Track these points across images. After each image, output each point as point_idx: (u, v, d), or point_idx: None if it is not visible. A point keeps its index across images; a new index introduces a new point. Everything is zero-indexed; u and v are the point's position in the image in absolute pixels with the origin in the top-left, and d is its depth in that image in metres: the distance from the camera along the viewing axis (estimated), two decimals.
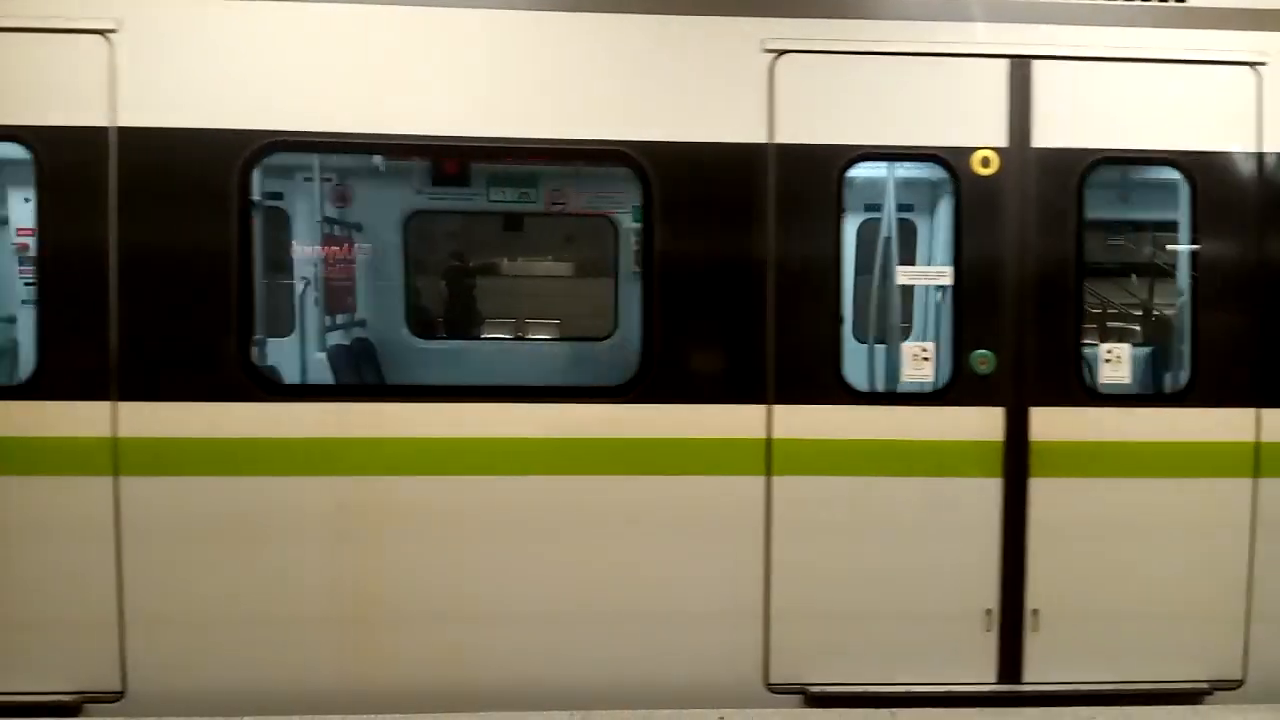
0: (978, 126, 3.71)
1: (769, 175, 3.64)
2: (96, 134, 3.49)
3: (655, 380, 3.68)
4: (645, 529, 3.70)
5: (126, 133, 3.50)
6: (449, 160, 3.68)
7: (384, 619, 3.67)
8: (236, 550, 3.60)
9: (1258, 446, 3.73)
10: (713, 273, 3.69)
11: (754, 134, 3.65)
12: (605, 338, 6.86)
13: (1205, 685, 3.85)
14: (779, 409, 3.67)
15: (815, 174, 3.66)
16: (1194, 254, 3.84)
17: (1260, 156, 3.73)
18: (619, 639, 3.74)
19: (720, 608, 3.73)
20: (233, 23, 3.55)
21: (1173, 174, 3.86)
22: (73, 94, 3.50)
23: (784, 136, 3.65)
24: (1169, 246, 4.59)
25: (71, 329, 3.54)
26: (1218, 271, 3.80)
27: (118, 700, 3.59)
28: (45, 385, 3.53)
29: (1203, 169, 3.74)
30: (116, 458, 3.51)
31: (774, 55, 3.63)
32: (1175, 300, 4.71)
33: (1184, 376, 3.88)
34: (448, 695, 3.67)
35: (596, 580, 3.72)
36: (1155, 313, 5.57)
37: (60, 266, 3.54)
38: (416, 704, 3.64)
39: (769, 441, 3.67)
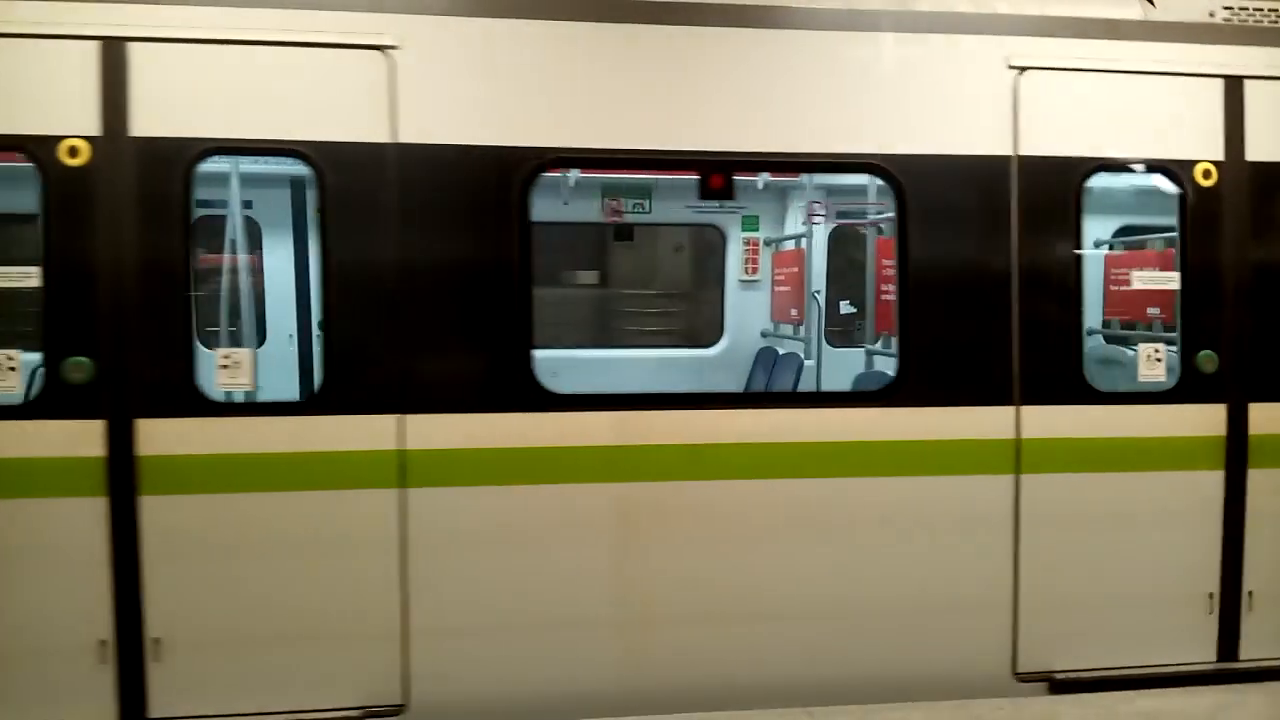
0: (1198, 140, 3.96)
1: (1014, 186, 3.84)
2: (379, 150, 3.51)
3: (912, 385, 3.83)
4: (901, 528, 3.85)
5: (408, 149, 3.52)
6: (715, 174, 3.78)
7: (660, 621, 3.75)
8: (517, 558, 3.65)
9: None
10: (962, 280, 3.86)
11: (999, 147, 3.84)
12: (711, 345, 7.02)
13: None
14: (1026, 410, 3.86)
15: (1057, 185, 3.87)
16: None
17: None
18: (872, 634, 3.88)
19: (972, 601, 3.91)
20: (509, 41, 3.61)
21: None
22: (355, 110, 3.52)
23: (1028, 149, 3.85)
24: None
25: (358, 344, 3.55)
26: None
27: (399, 714, 3.60)
28: (334, 400, 3.53)
29: None
30: (404, 470, 3.54)
31: (1018, 72, 3.83)
32: None
33: None
34: (714, 694, 3.76)
35: (853, 578, 3.86)
36: None
37: (346, 282, 3.54)
38: (689, 704, 3.73)
39: (1018, 441, 3.86)
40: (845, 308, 6.76)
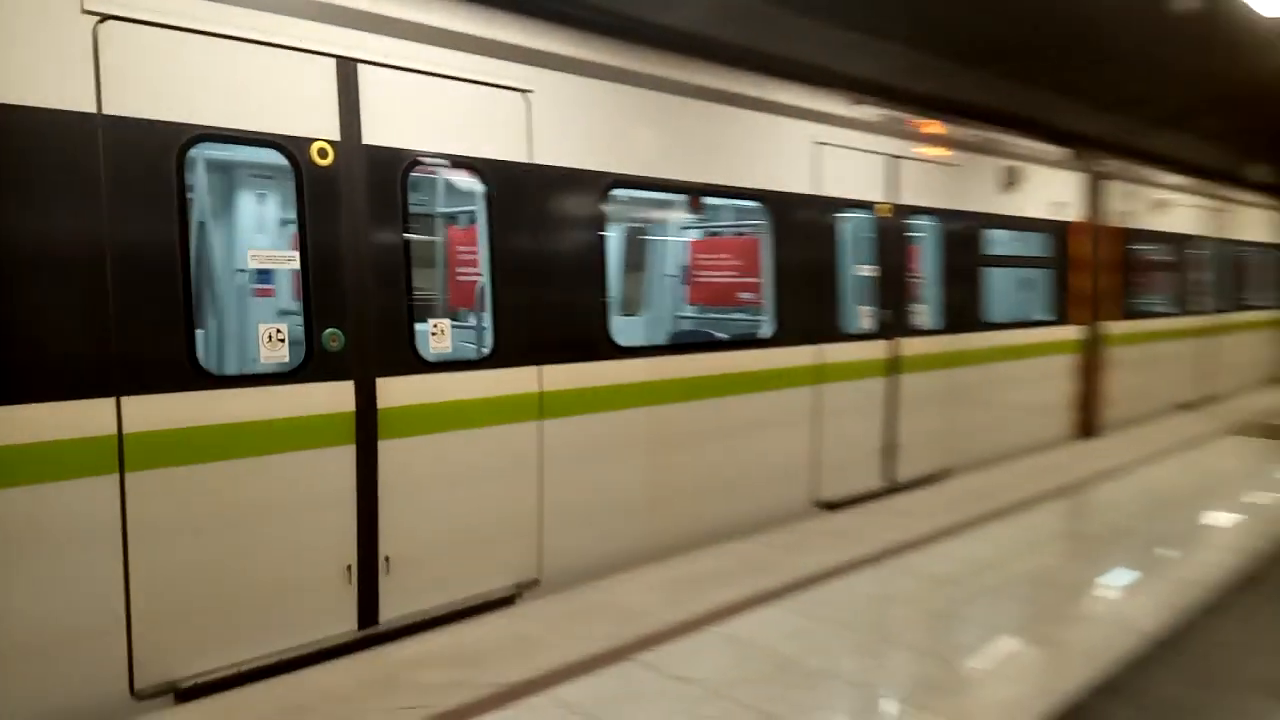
0: (873, 189, 6.99)
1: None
2: (522, 167, 4.70)
3: None
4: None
5: (540, 169, 4.77)
6: (695, 197, 5.63)
7: (673, 497, 5.55)
8: (600, 464, 5.14)
9: None
10: None
11: None
12: None
13: None
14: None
15: None
16: None
17: None
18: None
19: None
20: (596, 97, 5.05)
21: None
22: (507, 136, 4.64)
23: None
24: None
25: (514, 312, 4.68)
26: None
27: (535, 586, 4.87)
28: (502, 356, 4.63)
29: None
30: (542, 407, 4.80)
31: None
32: None
33: None
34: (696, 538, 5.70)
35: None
36: None
37: (502, 268, 4.65)
38: (690, 547, 5.60)
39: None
40: None
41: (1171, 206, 11.33)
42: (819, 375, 6.48)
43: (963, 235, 7.89)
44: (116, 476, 3.50)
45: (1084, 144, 9.78)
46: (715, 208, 7.83)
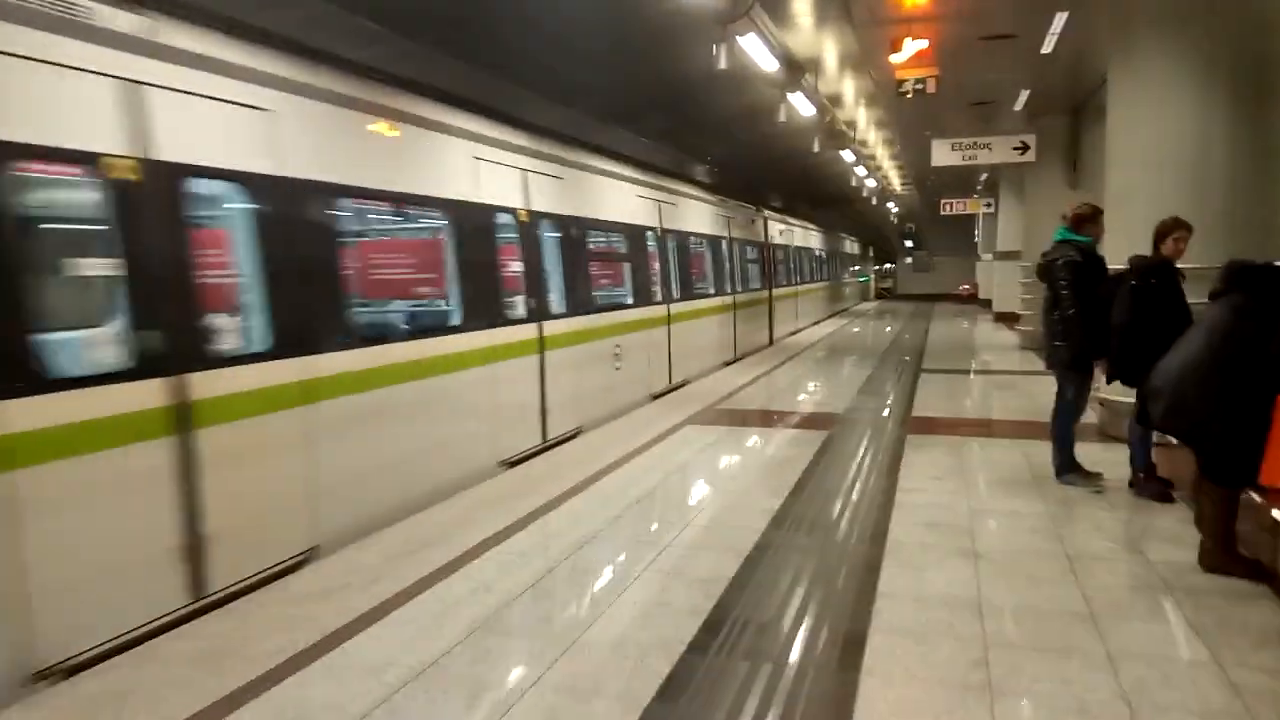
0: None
1: None
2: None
3: None
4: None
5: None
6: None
7: (579, 393, 9.77)
8: (563, 373, 9.20)
9: None
10: None
11: None
12: None
13: None
14: None
15: None
16: None
17: None
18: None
19: None
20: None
21: None
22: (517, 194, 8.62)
23: None
24: None
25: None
26: None
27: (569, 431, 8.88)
28: (517, 319, 8.63)
29: None
30: (541, 346, 8.82)
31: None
32: None
33: None
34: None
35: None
36: None
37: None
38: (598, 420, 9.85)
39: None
40: None
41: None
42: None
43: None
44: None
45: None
46: None
